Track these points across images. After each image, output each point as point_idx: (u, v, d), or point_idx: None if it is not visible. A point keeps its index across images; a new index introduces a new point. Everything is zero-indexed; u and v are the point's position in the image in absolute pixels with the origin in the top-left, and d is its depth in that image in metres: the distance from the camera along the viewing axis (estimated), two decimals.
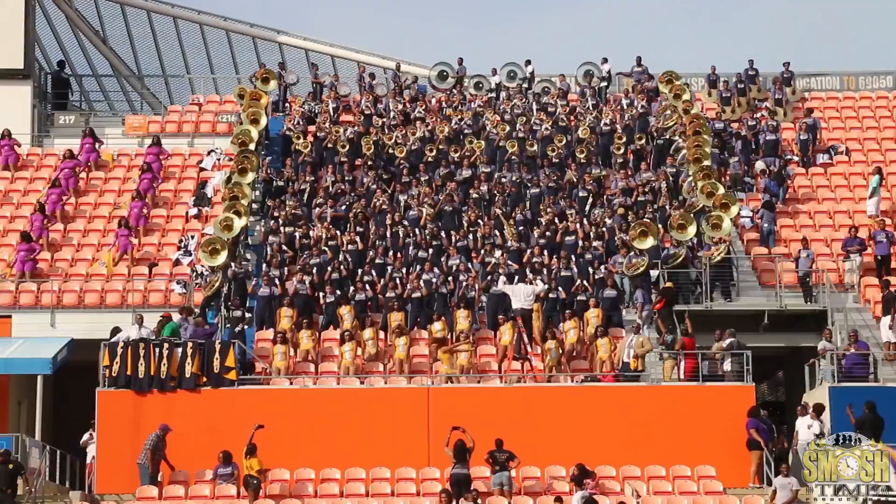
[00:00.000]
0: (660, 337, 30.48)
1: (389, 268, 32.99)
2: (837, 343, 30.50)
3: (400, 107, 41.23)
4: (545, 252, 33.37)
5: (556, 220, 34.70)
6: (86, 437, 29.75)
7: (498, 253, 33.14)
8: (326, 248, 33.66)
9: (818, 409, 28.40)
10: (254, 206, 36.60)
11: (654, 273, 32.70)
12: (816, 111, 42.32)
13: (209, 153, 40.23)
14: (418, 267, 32.95)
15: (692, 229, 33.25)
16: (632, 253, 32.81)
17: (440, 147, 38.51)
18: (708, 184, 34.73)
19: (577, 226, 34.29)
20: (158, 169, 39.08)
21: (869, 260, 34.13)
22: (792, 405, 30.79)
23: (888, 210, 36.70)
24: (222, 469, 27.59)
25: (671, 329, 30.49)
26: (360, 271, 32.88)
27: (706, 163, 35.88)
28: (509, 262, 32.73)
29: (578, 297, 31.88)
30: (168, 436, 28.13)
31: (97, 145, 40.17)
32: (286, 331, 30.69)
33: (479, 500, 26.22)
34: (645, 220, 33.51)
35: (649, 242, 32.72)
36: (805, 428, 28.22)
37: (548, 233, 34.21)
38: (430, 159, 37.85)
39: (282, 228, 34.61)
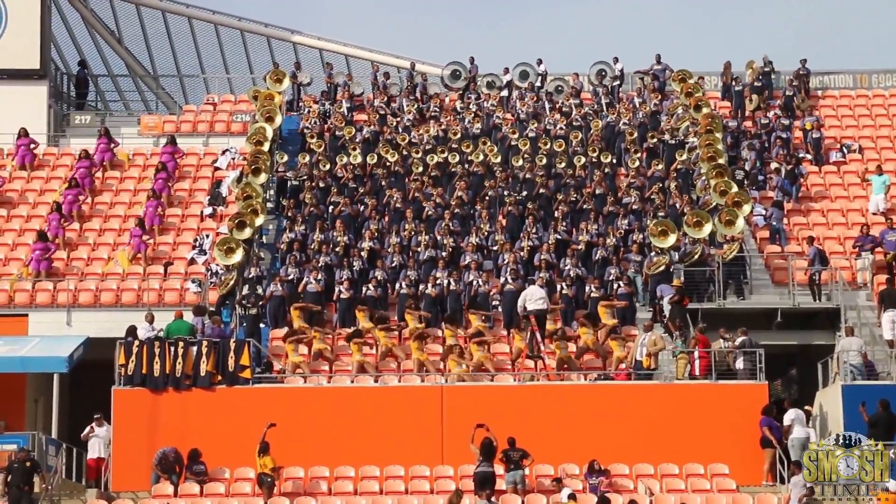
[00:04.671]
0: (670, 327, 30.57)
1: (404, 268, 33.12)
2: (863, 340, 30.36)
3: (415, 107, 41.33)
4: (552, 251, 33.42)
5: (570, 219, 34.82)
6: (87, 430, 29.73)
7: (507, 255, 33.17)
8: (339, 246, 33.82)
9: (807, 414, 28.60)
10: (268, 205, 36.74)
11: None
12: (829, 109, 42.34)
13: (224, 152, 40.38)
14: (429, 265, 33.08)
15: (708, 227, 33.30)
16: (652, 253, 32.91)
17: (453, 146, 38.62)
18: (721, 182, 34.76)
19: (591, 226, 34.40)
20: (174, 168, 39.26)
21: (881, 258, 34.12)
22: (805, 403, 30.82)
23: (893, 208, 36.78)
24: (195, 466, 27.81)
25: (684, 327, 30.54)
26: (372, 271, 33.00)
27: (720, 161, 35.90)
28: (519, 264, 32.79)
29: (592, 295, 32.01)
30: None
31: (112, 145, 40.34)
32: (298, 329, 30.83)
33: (493, 499, 26.36)
34: (665, 220, 33.61)
35: (670, 241, 32.84)
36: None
37: (560, 231, 34.32)
38: (441, 159, 37.93)
39: (296, 227, 34.76)
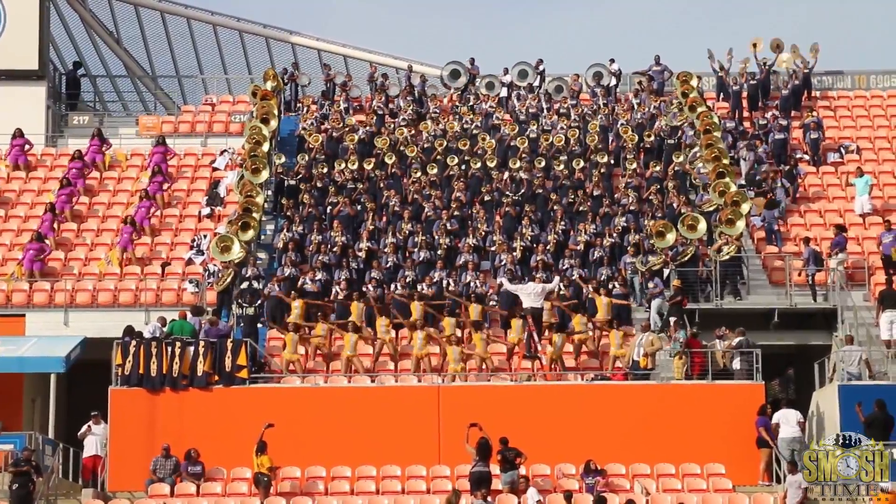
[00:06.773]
0: (666, 331, 30.57)
1: (400, 269, 33.15)
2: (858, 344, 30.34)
3: (411, 107, 41.33)
4: (548, 251, 33.42)
5: (567, 220, 34.83)
6: (84, 428, 29.68)
7: (505, 256, 33.18)
8: (337, 247, 33.83)
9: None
10: (266, 205, 36.76)
11: (664, 271, 32.86)
12: (828, 110, 42.31)
13: (222, 153, 40.40)
14: (424, 266, 33.08)
15: (702, 227, 33.32)
16: (648, 254, 32.93)
17: (450, 145, 38.61)
18: (720, 183, 34.75)
19: (589, 226, 34.42)
20: (166, 169, 39.13)
21: (874, 258, 34.13)
22: (802, 403, 30.87)
23: (879, 208, 36.78)
24: (192, 467, 27.88)
25: (681, 327, 30.57)
26: (369, 272, 32.99)
27: (724, 161, 35.88)
28: (516, 265, 32.81)
29: (590, 296, 32.00)
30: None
31: (104, 147, 40.32)
32: (298, 322, 30.82)
33: (489, 499, 26.36)
34: (664, 220, 33.62)
35: (669, 241, 32.86)
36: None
37: (558, 232, 34.33)
38: (439, 156, 37.94)
39: (294, 227, 34.77)
